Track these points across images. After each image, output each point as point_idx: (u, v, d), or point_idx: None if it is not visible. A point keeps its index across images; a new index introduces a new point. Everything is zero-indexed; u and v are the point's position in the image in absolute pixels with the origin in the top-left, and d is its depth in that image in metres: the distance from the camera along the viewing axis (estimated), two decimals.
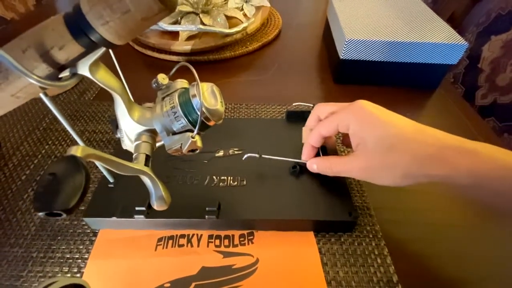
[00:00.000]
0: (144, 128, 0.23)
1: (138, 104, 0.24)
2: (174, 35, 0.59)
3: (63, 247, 0.31)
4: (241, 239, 0.32)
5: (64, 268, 0.30)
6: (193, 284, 0.29)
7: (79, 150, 0.17)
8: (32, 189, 0.37)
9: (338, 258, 0.31)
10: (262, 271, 0.29)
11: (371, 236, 0.32)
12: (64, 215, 0.15)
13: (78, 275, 0.29)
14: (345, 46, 0.49)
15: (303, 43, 0.68)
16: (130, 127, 0.23)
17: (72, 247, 0.31)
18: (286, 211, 0.31)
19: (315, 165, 0.33)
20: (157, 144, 0.25)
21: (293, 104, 0.42)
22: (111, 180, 0.33)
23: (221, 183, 0.34)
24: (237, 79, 0.56)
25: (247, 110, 0.48)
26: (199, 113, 0.21)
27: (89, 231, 0.33)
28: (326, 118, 0.32)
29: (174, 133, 0.23)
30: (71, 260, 0.30)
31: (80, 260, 0.30)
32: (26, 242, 0.32)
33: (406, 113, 0.27)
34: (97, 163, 0.32)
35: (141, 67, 0.60)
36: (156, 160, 0.36)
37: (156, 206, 0.22)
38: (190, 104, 0.21)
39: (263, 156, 0.33)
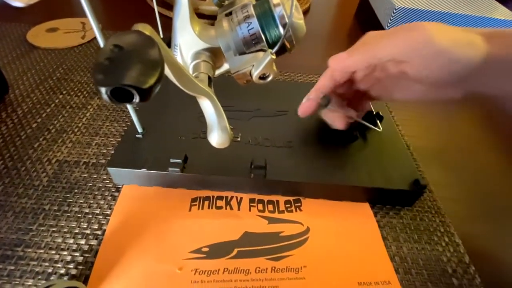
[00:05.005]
0: (204, 45, 0.19)
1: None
2: None
3: (81, 201, 0.27)
4: (287, 205, 0.28)
5: (82, 224, 0.25)
6: (236, 250, 0.24)
7: (147, 29, 0.12)
8: (45, 138, 0.32)
9: (399, 233, 0.27)
10: (315, 241, 0.25)
11: (433, 212, 0.29)
12: (137, 99, 0.11)
13: (99, 232, 0.25)
14: (392, 16, 0.45)
15: (334, 19, 0.64)
16: (189, 42, 0.19)
17: (91, 201, 0.27)
18: (340, 176, 0.27)
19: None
20: (216, 72, 0.20)
21: None
22: (139, 129, 0.29)
23: (266, 144, 0.30)
24: None
25: (281, 78, 0.44)
26: (280, 27, 0.17)
27: (110, 185, 0.28)
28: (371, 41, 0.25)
29: (242, 53, 0.18)
30: (90, 216, 0.26)
31: (101, 217, 0.26)
32: (37, 194, 0.27)
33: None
34: (128, 106, 0.28)
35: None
36: (189, 116, 0.32)
37: (217, 140, 0.18)
38: (270, 15, 0.17)
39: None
